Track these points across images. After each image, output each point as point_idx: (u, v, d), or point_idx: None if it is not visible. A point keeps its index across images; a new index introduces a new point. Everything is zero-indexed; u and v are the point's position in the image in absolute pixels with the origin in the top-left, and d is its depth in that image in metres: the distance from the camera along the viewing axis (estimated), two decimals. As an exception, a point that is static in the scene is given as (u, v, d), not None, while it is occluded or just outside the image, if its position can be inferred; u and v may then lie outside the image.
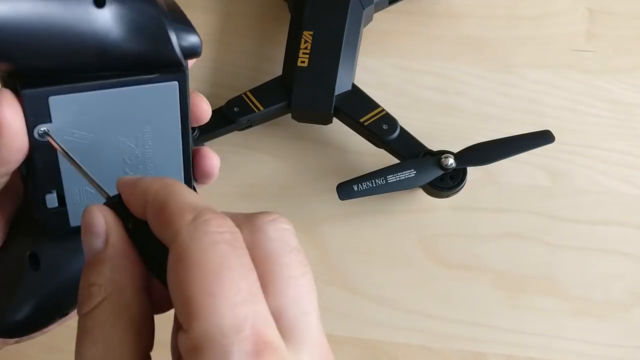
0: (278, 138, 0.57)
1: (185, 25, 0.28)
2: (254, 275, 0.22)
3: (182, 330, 0.21)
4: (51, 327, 0.32)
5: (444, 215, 0.54)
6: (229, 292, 0.21)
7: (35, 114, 0.26)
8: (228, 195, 0.55)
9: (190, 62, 0.29)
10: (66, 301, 0.31)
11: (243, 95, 0.54)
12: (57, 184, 0.28)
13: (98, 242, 0.23)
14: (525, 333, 0.50)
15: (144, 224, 0.24)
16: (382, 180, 0.49)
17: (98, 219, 0.24)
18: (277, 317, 0.22)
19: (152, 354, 0.24)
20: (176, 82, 0.28)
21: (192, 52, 0.28)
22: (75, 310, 0.27)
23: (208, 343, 0.20)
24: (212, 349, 0.20)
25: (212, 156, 0.33)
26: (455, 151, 0.50)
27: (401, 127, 0.52)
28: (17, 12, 0.24)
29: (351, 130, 0.54)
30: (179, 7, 0.28)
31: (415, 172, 0.49)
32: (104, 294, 0.23)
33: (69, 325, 0.52)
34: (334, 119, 0.54)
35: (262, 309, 0.21)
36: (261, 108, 0.53)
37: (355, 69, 0.54)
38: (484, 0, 0.61)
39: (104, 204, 0.25)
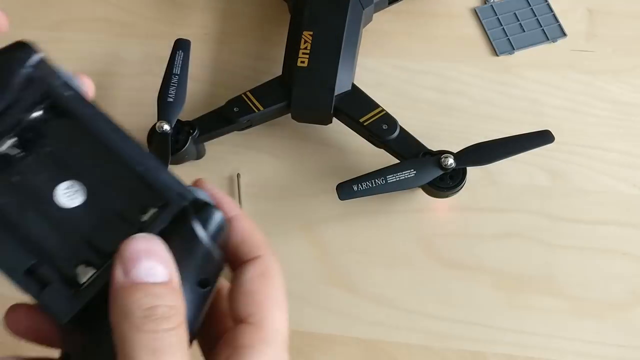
0: (278, 138, 0.57)
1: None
2: None
3: None
4: None
5: (444, 215, 0.54)
6: None
7: None
8: (228, 195, 0.55)
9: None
10: None
11: (243, 95, 0.54)
12: None
13: (164, 272, 0.25)
14: (525, 333, 0.50)
15: None
16: (382, 180, 0.49)
17: (164, 249, 0.25)
18: None
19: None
20: None
21: None
22: None
23: None
24: None
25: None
26: (455, 151, 0.50)
27: (401, 127, 0.52)
28: None
29: (351, 130, 0.54)
30: None
31: (415, 172, 0.49)
32: (181, 318, 0.25)
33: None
34: (334, 119, 0.54)
35: None
36: (261, 108, 0.53)
37: (355, 69, 0.54)
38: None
39: None
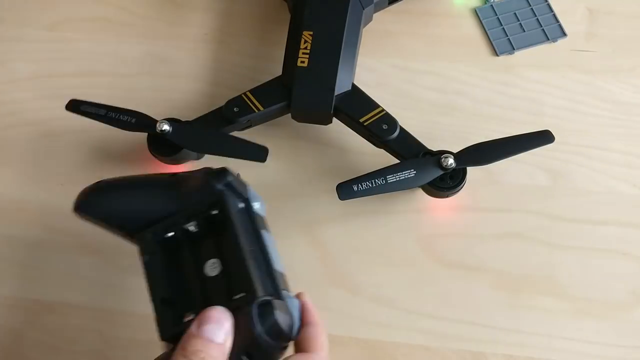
0: (278, 138, 0.57)
1: None
2: None
3: None
4: None
5: (444, 215, 0.54)
6: None
7: None
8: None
9: None
10: None
11: (243, 95, 0.54)
12: None
13: (222, 337, 0.35)
14: (525, 333, 0.50)
15: None
16: (382, 180, 0.49)
17: (229, 322, 0.35)
18: None
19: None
20: None
21: None
22: None
23: None
24: None
25: None
26: (455, 151, 0.50)
27: (401, 127, 0.52)
28: None
29: (351, 130, 0.54)
30: None
31: (415, 172, 0.49)
32: None
33: (67, 325, 0.52)
34: (334, 119, 0.54)
35: None
36: (261, 108, 0.53)
37: (355, 69, 0.54)
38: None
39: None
